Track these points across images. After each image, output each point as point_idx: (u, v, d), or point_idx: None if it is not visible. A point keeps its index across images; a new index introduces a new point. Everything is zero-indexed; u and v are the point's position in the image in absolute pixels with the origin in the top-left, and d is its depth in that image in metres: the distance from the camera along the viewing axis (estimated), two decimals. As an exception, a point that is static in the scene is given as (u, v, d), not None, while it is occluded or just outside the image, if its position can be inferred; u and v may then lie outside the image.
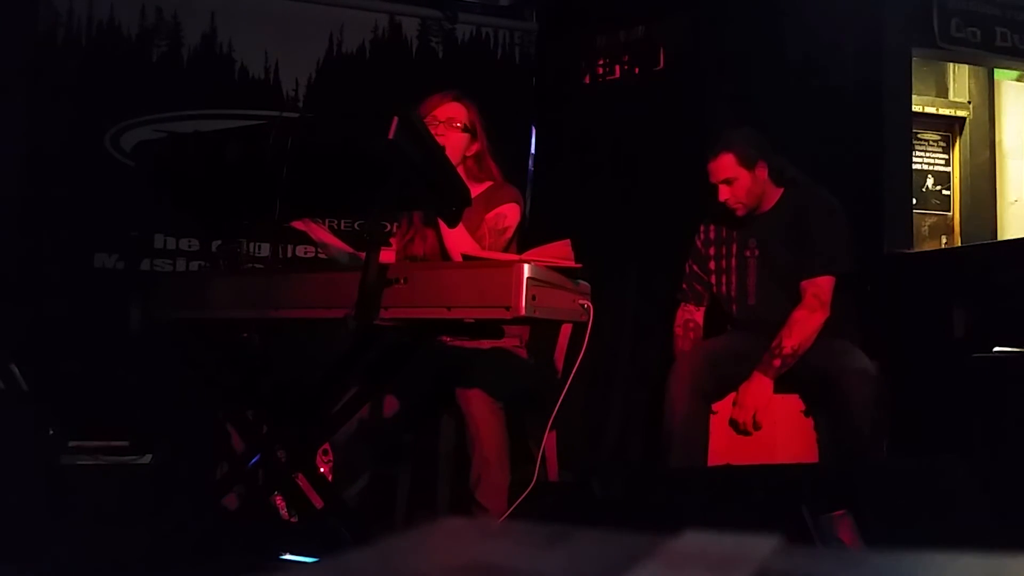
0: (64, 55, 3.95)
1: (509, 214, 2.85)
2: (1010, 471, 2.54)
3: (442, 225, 2.75)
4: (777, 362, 3.01)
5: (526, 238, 3.02)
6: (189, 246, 4.02)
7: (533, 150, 4.54)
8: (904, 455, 3.10)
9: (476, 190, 2.86)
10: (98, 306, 3.53)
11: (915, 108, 4.49)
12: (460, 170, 2.85)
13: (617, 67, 4.28)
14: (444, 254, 2.81)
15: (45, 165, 3.88)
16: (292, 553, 2.44)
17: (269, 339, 2.65)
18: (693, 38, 4.13)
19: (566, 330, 2.85)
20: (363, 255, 2.10)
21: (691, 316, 3.34)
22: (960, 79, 5.46)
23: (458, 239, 2.71)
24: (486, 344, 2.62)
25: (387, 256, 2.86)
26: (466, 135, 2.89)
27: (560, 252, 2.88)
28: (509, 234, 2.85)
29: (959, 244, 5.29)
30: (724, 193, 3.14)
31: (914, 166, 4.53)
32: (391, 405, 2.78)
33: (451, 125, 2.85)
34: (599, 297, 2.19)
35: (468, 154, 2.91)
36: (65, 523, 2.70)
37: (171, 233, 4.01)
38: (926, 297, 3.45)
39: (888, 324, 3.38)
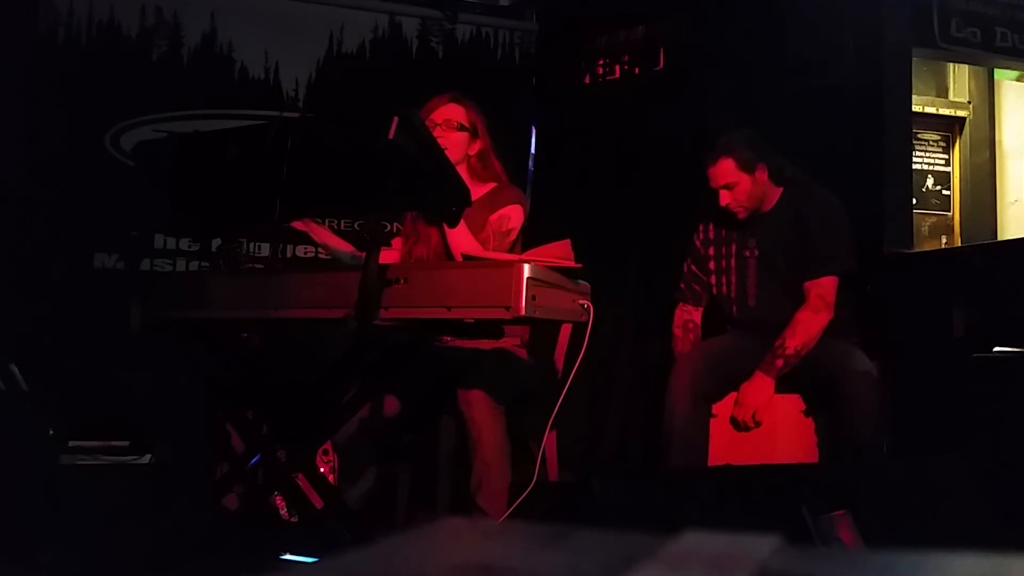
0: (64, 55, 3.95)
1: (513, 216, 2.84)
2: (1010, 471, 2.54)
3: (445, 226, 2.75)
4: (780, 362, 3.00)
5: (526, 238, 3.02)
6: (189, 246, 4.02)
7: (533, 150, 4.54)
8: (904, 455, 3.10)
9: (480, 191, 2.86)
10: (98, 306, 3.53)
11: (915, 108, 4.49)
12: (463, 169, 2.84)
13: (617, 67, 4.29)
14: (448, 255, 2.81)
15: (45, 165, 3.89)
16: (292, 553, 2.44)
17: (269, 339, 2.65)
18: (693, 38, 4.13)
19: (566, 330, 2.85)
20: (363, 255, 2.10)
21: (690, 316, 3.33)
22: (960, 79, 5.45)
23: (461, 240, 2.70)
24: (486, 345, 2.62)
25: (389, 256, 2.86)
26: (465, 134, 2.88)
27: (560, 252, 2.88)
28: (513, 236, 2.84)
29: (959, 244, 5.28)
30: (725, 198, 3.13)
31: (914, 166, 4.53)
32: (391, 405, 2.78)
33: (449, 126, 2.84)
34: (599, 297, 2.19)
35: (470, 153, 2.91)
36: (65, 523, 2.70)
37: (171, 233, 4.01)
38: (926, 297, 3.44)
39: (888, 324, 3.37)
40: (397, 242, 3.06)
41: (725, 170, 3.11)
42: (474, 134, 2.90)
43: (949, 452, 2.37)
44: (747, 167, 3.11)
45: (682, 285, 3.36)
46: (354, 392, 2.41)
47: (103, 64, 3.99)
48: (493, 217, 2.81)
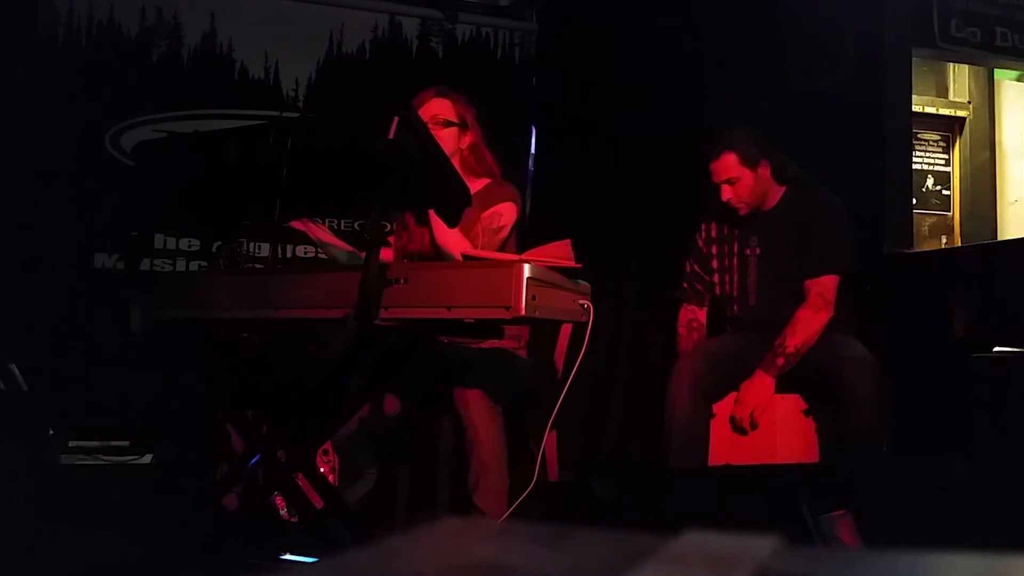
0: (64, 55, 3.95)
1: (505, 213, 2.83)
2: (1010, 471, 2.54)
3: (434, 224, 2.74)
4: (780, 360, 3.01)
5: (526, 238, 3.02)
6: (189, 246, 4.02)
7: (533, 150, 4.53)
8: (904, 455, 3.10)
9: (474, 187, 2.85)
10: (98, 306, 3.53)
11: (915, 108, 4.50)
12: (456, 163, 2.83)
13: (617, 67, 4.28)
14: (436, 253, 2.80)
15: (45, 165, 3.88)
16: (292, 553, 2.44)
17: (269, 339, 2.64)
18: (694, 38, 4.13)
19: (566, 330, 2.85)
20: (363, 255, 2.09)
21: (694, 316, 3.34)
22: (960, 79, 5.46)
23: (450, 238, 2.70)
24: (486, 344, 2.62)
25: (387, 256, 2.85)
26: (454, 130, 2.87)
27: (560, 252, 2.88)
28: (504, 233, 2.83)
29: (959, 244, 5.29)
30: (727, 193, 3.13)
31: (914, 166, 4.54)
32: (391, 405, 2.78)
33: (436, 121, 2.82)
34: (599, 297, 2.19)
35: (462, 147, 2.90)
36: (65, 523, 2.70)
37: (171, 233, 4.01)
38: (926, 297, 3.45)
39: (888, 324, 3.38)
40: (391, 239, 3.06)
41: (728, 165, 3.12)
42: (463, 127, 2.89)
43: (949, 452, 2.37)
44: (750, 163, 3.11)
45: (685, 285, 3.37)
46: (354, 392, 2.41)
47: (103, 64, 3.99)
48: (484, 214, 2.80)
